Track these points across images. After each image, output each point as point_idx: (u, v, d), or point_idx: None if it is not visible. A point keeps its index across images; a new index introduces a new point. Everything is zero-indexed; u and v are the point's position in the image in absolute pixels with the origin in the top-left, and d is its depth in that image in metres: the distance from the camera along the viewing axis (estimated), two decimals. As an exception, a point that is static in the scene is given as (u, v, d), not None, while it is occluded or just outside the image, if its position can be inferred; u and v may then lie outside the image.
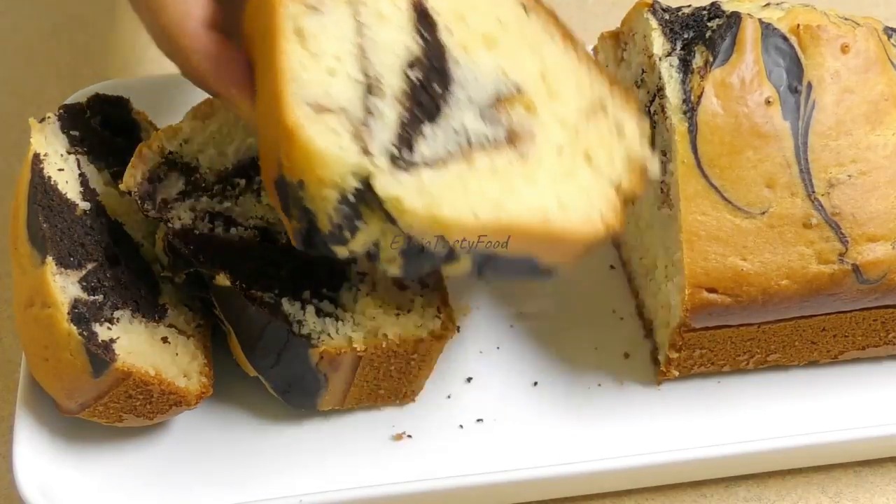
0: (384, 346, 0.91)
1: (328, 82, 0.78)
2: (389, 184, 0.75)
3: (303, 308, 0.90)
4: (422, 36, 0.84)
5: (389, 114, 0.79)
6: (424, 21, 0.84)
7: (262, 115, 0.80)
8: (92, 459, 0.93)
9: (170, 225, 0.91)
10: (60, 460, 0.92)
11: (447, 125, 0.81)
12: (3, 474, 0.95)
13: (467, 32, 0.86)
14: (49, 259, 0.87)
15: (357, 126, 0.77)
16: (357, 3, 0.83)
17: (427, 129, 0.80)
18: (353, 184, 0.75)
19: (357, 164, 0.75)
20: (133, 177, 0.92)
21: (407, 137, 0.79)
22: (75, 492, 0.91)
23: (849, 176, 0.91)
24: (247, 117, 0.85)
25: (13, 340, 1.03)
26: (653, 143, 0.97)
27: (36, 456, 0.90)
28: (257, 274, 0.91)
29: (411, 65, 0.82)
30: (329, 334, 0.90)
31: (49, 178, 0.92)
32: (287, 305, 0.90)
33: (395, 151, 0.77)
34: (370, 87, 0.79)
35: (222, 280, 0.89)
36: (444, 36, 0.85)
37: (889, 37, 0.97)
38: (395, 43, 0.82)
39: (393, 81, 0.80)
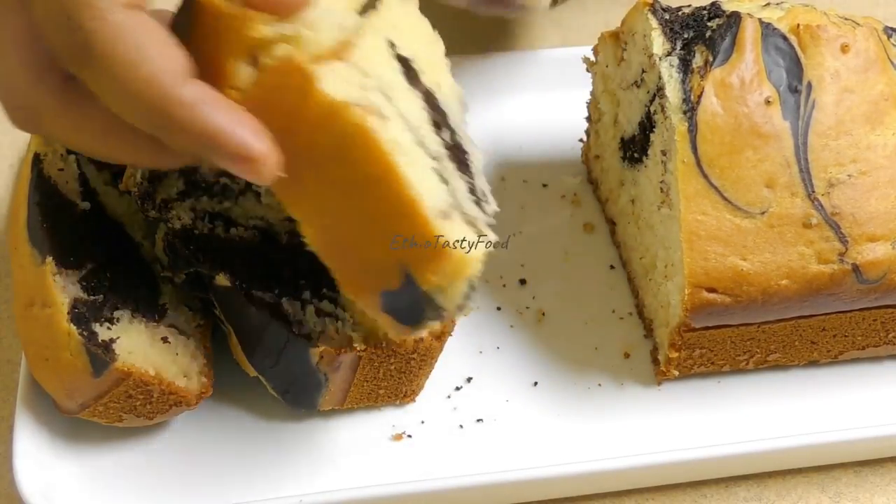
0: (384, 345, 0.91)
1: (432, 184, 0.76)
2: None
3: (303, 308, 0.90)
4: (417, 88, 0.82)
5: (461, 186, 0.80)
6: (409, 70, 0.82)
7: (354, 231, 0.77)
8: (92, 459, 0.93)
9: (170, 225, 0.91)
10: (60, 460, 0.92)
11: (477, 170, 0.83)
12: (3, 474, 0.95)
13: (425, 66, 0.84)
14: (49, 259, 0.87)
15: (462, 213, 0.78)
16: (375, 80, 0.78)
17: (476, 180, 0.82)
18: (480, 269, 0.76)
19: (484, 254, 0.76)
20: (133, 176, 0.92)
21: (478, 200, 0.81)
22: (75, 492, 0.91)
23: (849, 176, 0.91)
24: (266, 177, 0.74)
25: (13, 340, 1.03)
26: (650, 143, 0.98)
27: (36, 456, 0.90)
28: (257, 274, 0.91)
29: (435, 125, 0.81)
30: (329, 334, 0.90)
31: (49, 177, 0.92)
32: (287, 305, 0.90)
33: (488, 219, 0.80)
34: (438, 170, 0.78)
35: (222, 280, 0.89)
36: (424, 79, 0.83)
37: (889, 37, 0.97)
38: (417, 108, 0.80)
39: (440, 151, 0.80)
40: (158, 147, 0.75)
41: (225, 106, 0.73)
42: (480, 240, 0.77)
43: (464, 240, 0.75)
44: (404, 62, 0.82)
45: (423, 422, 0.97)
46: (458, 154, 0.83)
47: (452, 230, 0.75)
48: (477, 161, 0.85)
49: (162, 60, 0.71)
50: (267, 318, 0.89)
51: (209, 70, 0.75)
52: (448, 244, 0.74)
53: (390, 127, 0.75)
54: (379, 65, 0.79)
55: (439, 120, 0.83)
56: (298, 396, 0.94)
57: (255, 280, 0.90)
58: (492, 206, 0.82)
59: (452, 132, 0.84)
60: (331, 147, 0.74)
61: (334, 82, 0.74)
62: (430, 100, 0.83)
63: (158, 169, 0.88)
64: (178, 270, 0.92)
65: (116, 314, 0.89)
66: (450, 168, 0.81)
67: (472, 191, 0.82)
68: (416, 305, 0.77)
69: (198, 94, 0.72)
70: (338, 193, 0.75)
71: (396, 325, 0.79)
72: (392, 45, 0.82)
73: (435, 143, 0.81)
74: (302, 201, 0.77)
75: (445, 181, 0.79)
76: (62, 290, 0.87)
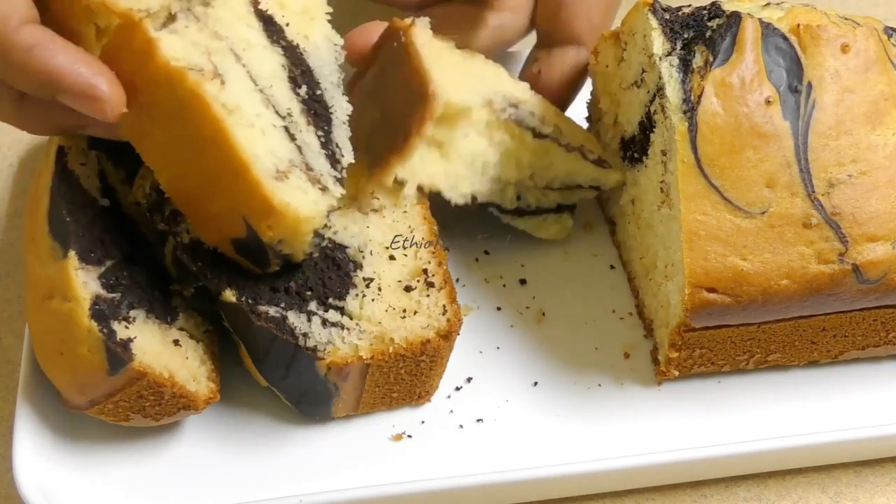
0: (391, 351, 0.91)
1: (269, 144, 0.83)
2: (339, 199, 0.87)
3: (309, 320, 0.90)
4: (278, 44, 0.88)
5: (312, 140, 0.87)
6: (270, 27, 0.88)
7: (197, 184, 0.85)
8: (92, 460, 0.93)
9: (178, 239, 0.90)
10: (60, 460, 0.92)
11: (339, 122, 0.90)
12: (3, 474, 0.95)
13: (293, 17, 0.90)
14: (72, 253, 0.86)
15: (306, 171, 0.85)
16: (226, 42, 0.85)
17: (334, 133, 0.89)
18: (324, 221, 0.86)
19: (328, 208, 0.85)
20: (142, 187, 0.92)
21: (332, 154, 0.88)
22: (75, 492, 0.91)
23: (849, 176, 0.91)
24: (111, 113, 0.79)
25: (13, 340, 1.03)
26: (650, 143, 0.98)
27: (36, 456, 0.90)
28: (263, 287, 0.90)
29: (293, 81, 0.88)
30: (335, 345, 0.90)
31: (73, 171, 0.91)
32: (293, 318, 0.89)
33: (337, 174, 0.87)
34: (287, 126, 0.86)
35: (228, 297, 0.88)
36: (289, 33, 0.90)
37: (889, 37, 0.97)
38: (273, 66, 0.87)
39: (293, 107, 0.87)
40: (17, 103, 0.82)
41: (64, 48, 0.78)
42: (324, 195, 0.85)
43: (300, 198, 0.83)
44: (266, 19, 0.88)
45: (423, 422, 0.97)
46: (316, 108, 0.89)
47: (286, 191, 0.83)
48: (341, 113, 0.91)
49: (1, 5, 0.76)
50: (273, 334, 0.88)
51: (64, 31, 0.81)
52: (278, 206, 0.82)
53: (230, 90, 0.82)
54: (235, 23, 0.86)
55: (298, 75, 0.89)
56: (312, 406, 0.94)
57: (262, 294, 0.89)
58: (347, 157, 0.89)
59: (314, 86, 0.90)
60: (170, 108, 0.82)
61: (176, 47, 0.81)
62: (291, 55, 0.89)
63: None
64: (187, 284, 0.91)
65: (132, 314, 0.89)
66: (302, 123, 0.87)
67: (326, 145, 0.88)
68: (262, 252, 0.86)
69: (36, 37, 0.77)
70: (180, 149, 0.84)
71: (252, 266, 0.88)
72: (255, 1, 0.89)
73: (288, 99, 0.87)
74: (152, 152, 0.86)
75: (293, 137, 0.85)
76: (84, 285, 0.86)
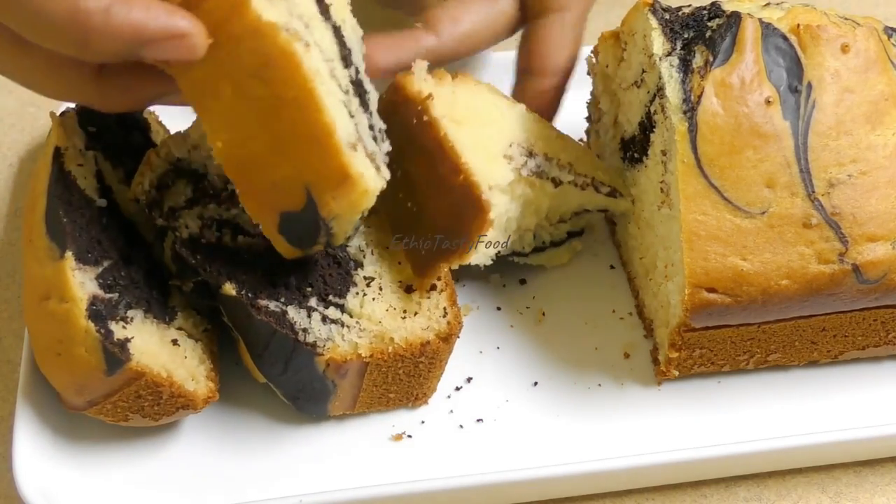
0: (390, 350, 0.91)
1: (343, 116, 0.81)
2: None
3: (309, 316, 0.90)
4: (329, 21, 0.86)
5: (363, 121, 0.85)
6: (321, 4, 0.86)
7: (262, 150, 0.80)
8: (92, 460, 0.93)
9: (177, 234, 0.90)
10: (61, 461, 0.92)
11: (374, 109, 0.88)
12: (3, 474, 0.95)
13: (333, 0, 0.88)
14: (69, 254, 0.86)
15: (363, 147, 0.82)
16: (299, 12, 0.81)
17: (374, 118, 0.87)
18: (373, 202, 0.83)
19: (381, 188, 0.82)
20: (140, 184, 0.92)
21: (375, 137, 0.86)
22: (75, 492, 0.91)
23: (849, 176, 0.91)
24: (192, 56, 0.77)
25: (13, 340, 1.03)
26: (650, 144, 0.98)
27: (36, 456, 0.90)
28: (264, 282, 0.90)
29: (344, 60, 0.86)
30: (335, 341, 0.90)
31: (69, 172, 0.91)
32: (293, 313, 0.89)
33: (384, 157, 0.86)
34: (346, 103, 0.83)
35: (228, 290, 0.88)
36: (332, 13, 0.87)
37: (889, 37, 0.97)
38: (329, 41, 0.85)
39: (348, 86, 0.85)
40: (96, 80, 0.80)
41: (135, 1, 0.75)
42: (379, 174, 0.83)
43: (366, 172, 0.80)
44: None
45: (423, 422, 0.97)
46: (360, 91, 0.87)
47: (359, 162, 0.80)
48: (374, 101, 0.89)
49: None
50: (273, 328, 0.88)
51: None
52: (354, 175, 0.79)
53: (312, 55, 0.79)
54: None
55: (346, 55, 0.87)
56: (308, 403, 0.94)
57: (262, 289, 0.89)
58: (386, 145, 0.87)
59: (357, 69, 0.88)
60: (254, 65, 0.78)
61: (266, 4, 0.78)
62: (338, 35, 0.87)
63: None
64: (186, 279, 0.91)
65: (130, 314, 0.89)
66: (355, 103, 0.85)
67: (371, 127, 0.86)
68: (312, 229, 0.82)
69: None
70: (253, 110, 0.79)
71: (288, 247, 0.85)
72: None
73: (343, 76, 0.85)
74: (216, 113, 0.81)
75: (352, 115, 0.83)
76: (81, 285, 0.86)
